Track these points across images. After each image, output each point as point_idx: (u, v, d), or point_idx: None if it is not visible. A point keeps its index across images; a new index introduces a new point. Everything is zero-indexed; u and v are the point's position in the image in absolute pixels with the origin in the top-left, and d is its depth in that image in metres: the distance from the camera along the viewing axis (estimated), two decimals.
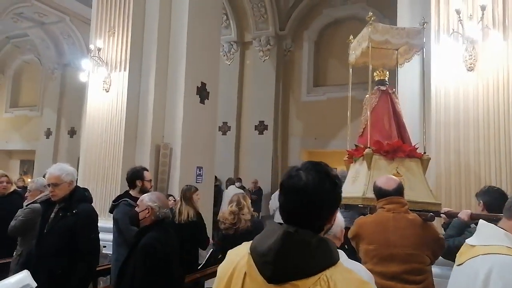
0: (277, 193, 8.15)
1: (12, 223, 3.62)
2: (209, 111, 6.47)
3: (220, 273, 1.15)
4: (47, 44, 12.55)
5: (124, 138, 5.55)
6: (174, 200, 5.03)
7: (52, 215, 2.82)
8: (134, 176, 3.62)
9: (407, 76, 4.75)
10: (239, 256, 1.12)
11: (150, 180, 3.75)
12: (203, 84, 6.30)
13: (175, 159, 5.81)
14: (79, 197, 2.85)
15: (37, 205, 3.42)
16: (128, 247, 2.88)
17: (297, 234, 1.01)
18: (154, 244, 2.36)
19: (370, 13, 3.68)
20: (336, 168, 4.38)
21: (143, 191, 3.45)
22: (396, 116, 3.93)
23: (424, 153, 3.69)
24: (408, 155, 3.58)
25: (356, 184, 3.57)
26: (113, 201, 3.60)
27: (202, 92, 6.28)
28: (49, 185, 2.83)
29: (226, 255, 1.19)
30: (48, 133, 12.63)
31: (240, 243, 3.40)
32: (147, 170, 3.78)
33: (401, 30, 3.75)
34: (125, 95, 5.62)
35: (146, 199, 2.54)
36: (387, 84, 4.06)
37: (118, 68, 5.72)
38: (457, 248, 2.24)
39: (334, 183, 1.06)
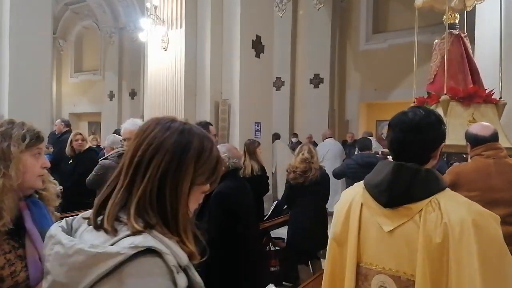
0: (322, 143, 7.92)
1: (89, 177, 3.90)
2: (265, 65, 6.38)
3: (338, 210, 1.30)
4: (103, 8, 12.92)
5: (185, 96, 5.69)
6: None
7: None
8: None
9: (485, 16, 4.32)
10: (353, 193, 1.27)
11: (215, 134, 3.85)
12: (258, 37, 6.18)
13: (234, 115, 5.88)
14: None
15: (107, 161, 3.57)
16: None
17: (406, 165, 1.14)
18: (227, 191, 2.45)
19: None
20: None
21: None
22: (470, 61, 3.82)
23: (500, 98, 3.58)
24: (484, 101, 3.51)
25: None
26: None
27: (258, 46, 6.17)
28: (124, 139, 3.04)
29: (341, 195, 1.34)
30: (111, 96, 13.32)
31: (309, 194, 3.41)
32: (212, 125, 3.87)
33: None
34: (183, 52, 5.69)
35: None
36: (458, 27, 3.88)
37: (175, 26, 5.75)
38: None
39: (440, 120, 1.19)
